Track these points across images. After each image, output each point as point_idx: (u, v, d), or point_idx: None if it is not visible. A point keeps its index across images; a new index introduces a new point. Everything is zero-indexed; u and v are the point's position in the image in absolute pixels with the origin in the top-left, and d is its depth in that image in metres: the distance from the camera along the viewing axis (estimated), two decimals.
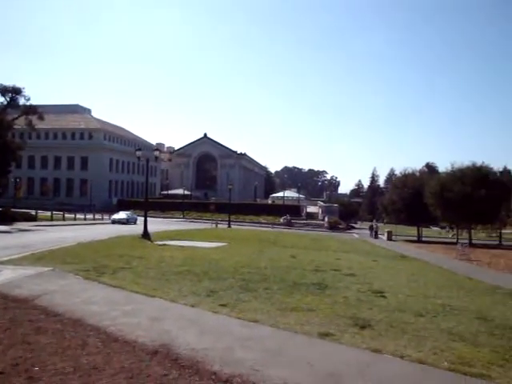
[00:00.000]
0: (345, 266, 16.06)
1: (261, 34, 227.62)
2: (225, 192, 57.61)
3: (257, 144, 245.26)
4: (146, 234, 25.21)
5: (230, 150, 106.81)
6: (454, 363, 5.78)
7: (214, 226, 47.76)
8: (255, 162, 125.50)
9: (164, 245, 21.30)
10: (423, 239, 49.96)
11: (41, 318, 7.16)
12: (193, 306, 8.27)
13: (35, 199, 69.35)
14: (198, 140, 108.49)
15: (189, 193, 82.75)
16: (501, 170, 52.23)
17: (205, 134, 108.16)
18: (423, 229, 55.12)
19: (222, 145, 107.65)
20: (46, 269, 12.04)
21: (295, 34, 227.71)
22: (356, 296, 10.02)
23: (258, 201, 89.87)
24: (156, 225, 41.04)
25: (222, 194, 76.81)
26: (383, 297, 10.18)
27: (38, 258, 14.20)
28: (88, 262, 13.40)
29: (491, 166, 47.75)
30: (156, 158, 27.31)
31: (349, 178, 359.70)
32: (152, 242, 23.08)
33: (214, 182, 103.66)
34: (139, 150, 25.91)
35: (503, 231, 56.75)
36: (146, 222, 26.54)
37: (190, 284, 10.49)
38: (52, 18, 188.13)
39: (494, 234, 57.46)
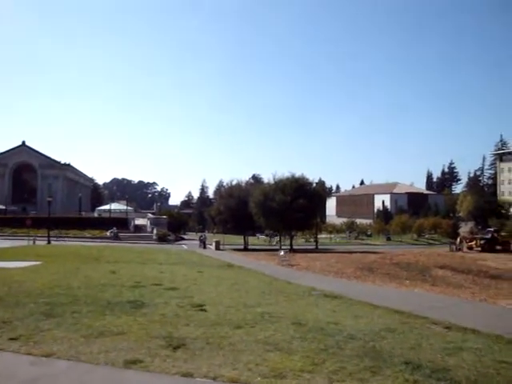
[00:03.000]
0: (168, 279, 15.36)
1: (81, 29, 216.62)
2: (46, 205, 52.61)
3: (84, 155, 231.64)
4: None
5: (53, 160, 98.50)
6: (267, 377, 5.55)
7: (31, 242, 43.11)
8: (81, 173, 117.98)
9: None
10: (249, 247, 51.97)
11: None
12: None
13: None
14: (15, 148, 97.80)
15: (3, 207, 73.92)
16: (316, 181, 57.43)
17: (23, 142, 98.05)
18: (250, 237, 57.51)
19: (43, 154, 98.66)
20: None
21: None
22: (174, 312, 9.40)
23: (84, 214, 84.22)
24: None
25: (43, 207, 70.17)
26: (203, 310, 9.74)
27: None
28: None
29: (307, 177, 52.01)
30: None
31: (180, 190, 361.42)
32: None
33: (34, 195, 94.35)
34: None
35: (319, 236, 62.33)
36: None
37: None
38: None
39: (311, 240, 62.76)
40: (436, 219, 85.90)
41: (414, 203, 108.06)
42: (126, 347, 6.61)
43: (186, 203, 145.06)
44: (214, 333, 7.64)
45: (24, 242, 43.33)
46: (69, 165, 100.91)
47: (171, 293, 12.10)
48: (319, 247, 55.63)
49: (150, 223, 63.96)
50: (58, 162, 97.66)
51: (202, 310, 9.80)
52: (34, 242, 43.03)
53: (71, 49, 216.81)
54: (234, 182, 57.96)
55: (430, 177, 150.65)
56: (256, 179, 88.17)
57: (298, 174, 50.87)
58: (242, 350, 6.72)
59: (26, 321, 8.31)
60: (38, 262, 21.06)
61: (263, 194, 47.44)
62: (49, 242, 44.65)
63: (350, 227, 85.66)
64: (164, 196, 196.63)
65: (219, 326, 8.24)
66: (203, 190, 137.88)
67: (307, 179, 51.66)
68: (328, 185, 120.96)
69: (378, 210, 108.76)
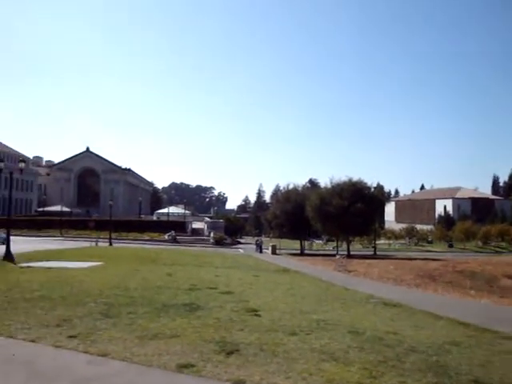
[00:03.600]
0: (223, 283, 15.36)
1: (139, 37, 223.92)
2: (108, 209, 54.73)
3: (143, 159, 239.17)
4: (8, 256, 22.46)
5: (115, 165, 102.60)
6: None
7: (94, 244, 44.80)
8: (141, 177, 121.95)
9: (28, 267, 19.02)
10: (306, 252, 51.48)
11: None
12: (33, 341, 6.95)
13: None
14: (80, 154, 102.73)
15: (69, 210, 77.46)
16: (374, 185, 56.00)
17: (87, 148, 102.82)
18: (306, 242, 56.95)
19: (105, 159, 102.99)
20: None
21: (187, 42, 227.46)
22: (229, 316, 9.30)
23: (143, 217, 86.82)
24: (29, 244, 37.46)
25: (106, 210, 72.85)
26: (257, 315, 9.57)
27: None
28: None
29: (365, 181, 50.88)
30: (21, 170, 24.64)
31: (237, 194, 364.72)
32: (15, 264, 20.58)
33: (97, 199, 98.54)
34: (1, 161, 23.19)
35: (377, 242, 60.72)
36: (8, 241, 23.68)
37: (40, 312, 9.05)
38: None
39: (369, 246, 61.28)
40: (503, 226, 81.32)
41: (479, 209, 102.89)
42: (179, 350, 6.55)
43: (243, 207, 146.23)
44: (268, 339, 7.44)
45: (87, 244, 45.14)
46: (129, 170, 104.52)
47: (226, 297, 12.04)
48: (377, 253, 54.24)
49: (207, 227, 64.91)
50: (120, 167, 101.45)
51: (256, 314, 9.64)
52: (97, 244, 44.66)
53: (134, 55, 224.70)
54: (290, 186, 57.77)
55: (495, 181, 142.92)
56: (313, 183, 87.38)
57: (355, 177, 49.98)
58: (297, 358, 6.48)
59: (85, 320, 8.49)
60: (99, 263, 21.79)
61: (320, 199, 46.93)
62: (110, 244, 46.23)
63: (410, 233, 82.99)
64: (221, 200, 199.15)
65: (274, 332, 8.04)
66: (260, 194, 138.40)
67: (365, 183, 50.64)
68: (387, 189, 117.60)
69: (440, 216, 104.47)
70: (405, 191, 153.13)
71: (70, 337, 7.20)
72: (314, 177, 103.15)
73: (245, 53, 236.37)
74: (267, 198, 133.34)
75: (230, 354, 6.50)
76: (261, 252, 49.05)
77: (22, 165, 25.35)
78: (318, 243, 68.42)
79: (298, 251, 51.70)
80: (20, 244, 33.26)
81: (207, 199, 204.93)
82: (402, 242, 79.52)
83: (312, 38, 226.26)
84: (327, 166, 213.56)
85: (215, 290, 13.12)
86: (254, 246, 52.48)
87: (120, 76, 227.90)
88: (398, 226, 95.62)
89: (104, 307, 9.73)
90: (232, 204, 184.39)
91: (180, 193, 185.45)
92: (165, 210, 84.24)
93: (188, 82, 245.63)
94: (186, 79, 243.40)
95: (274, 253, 47.74)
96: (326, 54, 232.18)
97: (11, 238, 24.89)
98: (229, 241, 59.12)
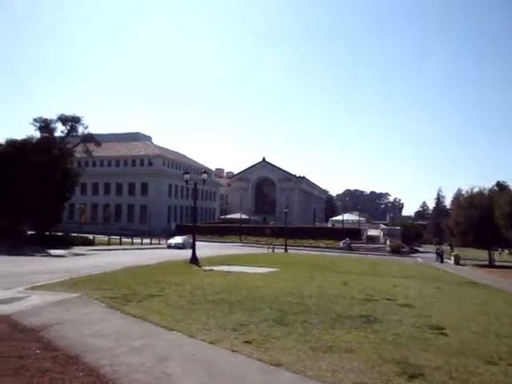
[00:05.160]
0: (402, 294, 14.21)
1: (317, 56, 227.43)
2: (284, 216, 56.67)
3: (317, 167, 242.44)
4: (194, 259, 24.50)
5: (289, 173, 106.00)
6: None
7: (270, 250, 46.58)
8: (315, 185, 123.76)
9: (210, 270, 20.35)
10: (496, 263, 46.13)
11: (34, 353, 6.32)
12: (211, 343, 7.13)
13: (99, 224, 71.72)
14: (257, 164, 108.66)
15: (247, 217, 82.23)
16: None
17: (263, 158, 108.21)
18: (495, 252, 51.11)
19: (280, 168, 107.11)
20: (74, 295, 11.42)
21: (363, 54, 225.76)
22: (409, 333, 8.39)
23: (318, 224, 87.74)
24: (211, 249, 40.64)
25: (281, 218, 75.43)
26: (443, 334, 8.44)
27: (73, 284, 13.71)
28: (120, 289, 12.66)
29: None
30: (204, 180, 26.70)
31: (413, 200, 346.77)
32: (200, 267, 22.27)
33: (274, 206, 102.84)
34: (187, 173, 25.47)
35: None
36: (194, 246, 25.87)
37: (219, 315, 9.37)
38: (109, 50, 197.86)
39: None
40: None
41: None
42: (355, 368, 6.03)
43: (421, 214, 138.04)
44: (459, 365, 6.41)
45: (264, 250, 47.07)
46: (303, 178, 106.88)
47: (406, 310, 11.05)
48: None
49: (383, 234, 62.70)
50: (294, 176, 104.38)
51: (442, 333, 8.52)
52: (273, 250, 46.29)
53: (306, 69, 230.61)
54: (474, 190, 52.43)
55: None
56: (501, 186, 78.27)
57: None
58: None
59: (260, 325, 8.50)
60: (274, 269, 22.32)
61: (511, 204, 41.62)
62: (285, 250, 47.55)
63: None
64: (397, 207, 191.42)
65: (464, 356, 6.93)
66: (439, 199, 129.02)
67: None
68: None
69: None
70: None
71: (246, 342, 7.23)
72: (502, 179, 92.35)
73: None
74: (448, 203, 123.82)
75: (412, 377, 5.76)
76: (442, 262, 45.59)
77: (205, 176, 27.44)
78: (506, 253, 60.97)
79: (486, 262, 46.63)
80: (204, 249, 36.18)
81: (382, 206, 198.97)
82: None
83: None
84: None
85: (393, 302, 12.19)
86: (434, 255, 49.18)
87: (297, 92, 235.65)
88: None
89: (278, 314, 9.68)
90: (408, 210, 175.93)
91: (354, 199, 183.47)
92: (339, 217, 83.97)
93: (358, 95, 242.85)
94: (357, 91, 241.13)
95: (457, 263, 43.88)
96: None
97: (196, 243, 27.08)
98: (406, 249, 56.18)
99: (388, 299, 12.66)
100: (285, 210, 56.39)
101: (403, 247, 55.68)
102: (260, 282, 15.62)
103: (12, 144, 36.82)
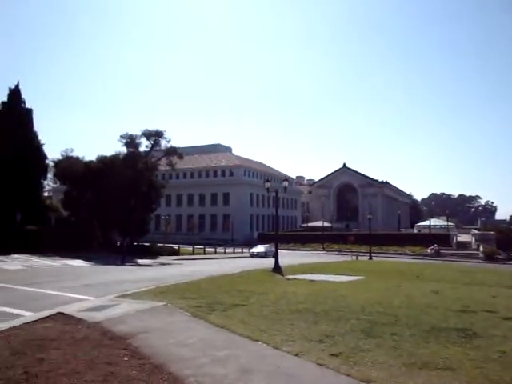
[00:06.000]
0: (503, 305, 12.93)
1: (396, 58, 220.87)
2: (367, 222, 55.18)
3: (400, 171, 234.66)
4: (276, 268, 24.37)
5: (371, 178, 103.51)
6: None
7: (354, 258, 45.46)
8: (399, 189, 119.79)
9: (294, 279, 20.06)
10: None
11: (123, 360, 6.44)
12: (296, 355, 6.86)
13: (183, 234, 74.18)
14: (337, 170, 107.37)
15: (329, 224, 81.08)
16: None
17: (344, 164, 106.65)
18: None
19: (361, 174, 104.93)
20: (160, 304, 11.65)
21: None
22: None
23: (403, 230, 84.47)
24: (293, 258, 40.42)
25: (365, 224, 73.62)
26: None
27: (159, 292, 14.06)
28: (204, 298, 12.75)
29: None
30: (285, 188, 26.60)
31: (508, 203, 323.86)
32: (283, 276, 22.05)
33: (356, 213, 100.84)
34: (267, 181, 25.50)
35: None
36: (276, 255, 25.74)
37: (304, 326, 9.07)
38: (182, 63, 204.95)
39: None
40: None
41: None
42: None
43: None
44: None
45: (347, 257, 46.01)
46: (386, 183, 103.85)
47: (510, 324, 10.01)
48: None
49: (475, 240, 58.91)
50: (376, 181, 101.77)
51: None
52: (357, 258, 45.14)
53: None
54: None
55: None
56: None
57: None
58: None
59: (347, 337, 8.08)
60: (360, 277, 21.58)
61: None
62: (370, 258, 46.17)
63: None
64: (489, 210, 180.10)
65: None
66: None
67: None
68: None
69: None
70: None
71: (332, 355, 6.87)
72: None
73: None
74: None
75: None
76: None
77: (286, 183, 27.38)
78: None
79: None
80: (286, 257, 35.98)
81: (472, 209, 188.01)
82: None
83: None
84: None
85: (494, 315, 11.09)
86: None
87: (376, 95, 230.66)
88: None
89: (366, 325, 9.18)
90: (503, 214, 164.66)
91: (441, 204, 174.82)
92: (426, 223, 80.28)
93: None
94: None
95: None
96: None
97: (279, 251, 26.94)
98: (503, 255, 52.27)
99: (488, 311, 11.57)
100: (368, 216, 54.92)
101: (499, 254, 51.86)
102: (345, 291, 15.09)
103: (102, 160, 39.15)
